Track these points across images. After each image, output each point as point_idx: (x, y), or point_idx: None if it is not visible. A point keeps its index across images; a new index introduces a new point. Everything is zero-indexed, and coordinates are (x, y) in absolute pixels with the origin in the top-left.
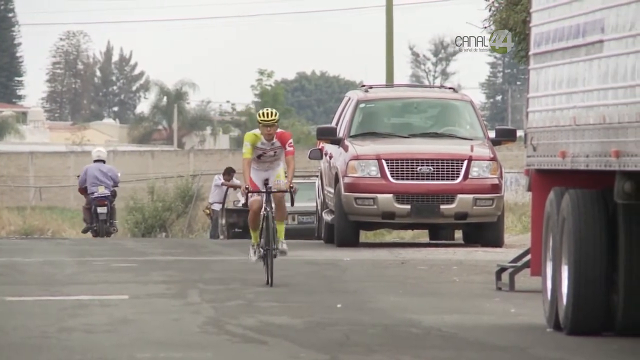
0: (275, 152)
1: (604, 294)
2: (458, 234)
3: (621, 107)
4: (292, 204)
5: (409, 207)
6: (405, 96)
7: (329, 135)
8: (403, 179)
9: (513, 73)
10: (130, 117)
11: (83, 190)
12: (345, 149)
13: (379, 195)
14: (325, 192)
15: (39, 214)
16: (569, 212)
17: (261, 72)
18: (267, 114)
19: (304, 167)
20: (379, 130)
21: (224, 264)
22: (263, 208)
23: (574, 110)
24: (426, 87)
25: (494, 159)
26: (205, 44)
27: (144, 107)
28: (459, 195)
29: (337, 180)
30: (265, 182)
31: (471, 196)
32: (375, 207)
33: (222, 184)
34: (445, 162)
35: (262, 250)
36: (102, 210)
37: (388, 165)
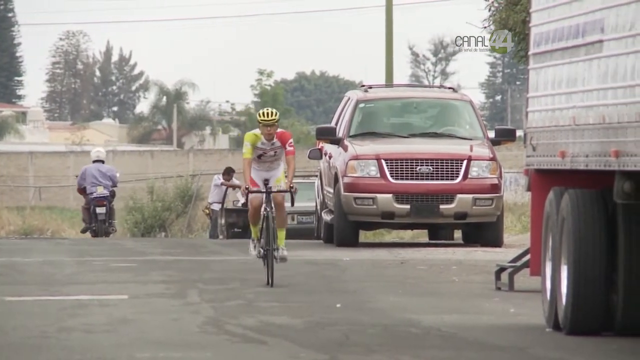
0: (275, 152)
1: (604, 294)
2: (457, 234)
3: (621, 107)
4: (293, 204)
5: (408, 207)
6: (404, 96)
7: (328, 135)
8: (402, 178)
9: (512, 73)
10: (130, 117)
11: (82, 190)
12: (345, 148)
13: (378, 195)
14: (325, 192)
15: (38, 214)
16: (569, 212)
17: (261, 72)
18: (267, 113)
19: (303, 167)
20: (378, 130)
21: (224, 263)
22: (263, 208)
23: (574, 110)
24: (426, 87)
25: (493, 158)
26: (205, 44)
27: (143, 107)
28: (459, 195)
29: (336, 180)
30: (266, 183)
31: (471, 196)
32: (374, 207)
33: (222, 184)
34: (444, 162)
35: (262, 251)
36: (100, 210)
37: (387, 165)
